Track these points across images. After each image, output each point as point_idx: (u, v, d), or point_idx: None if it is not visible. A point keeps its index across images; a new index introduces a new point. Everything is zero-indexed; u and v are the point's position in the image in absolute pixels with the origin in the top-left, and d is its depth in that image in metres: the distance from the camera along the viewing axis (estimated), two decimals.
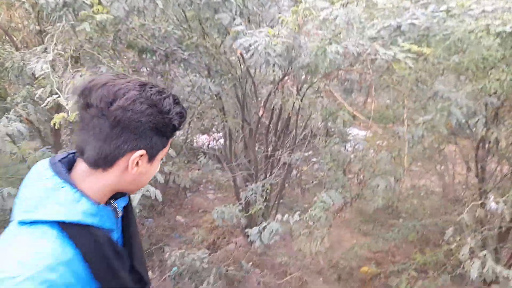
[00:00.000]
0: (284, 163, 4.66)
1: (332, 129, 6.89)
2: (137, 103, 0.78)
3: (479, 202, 2.84)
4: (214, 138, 8.04)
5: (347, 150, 6.99)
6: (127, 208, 0.94)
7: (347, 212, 6.14)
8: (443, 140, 4.41)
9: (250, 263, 4.21)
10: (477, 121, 2.12)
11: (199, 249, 4.14)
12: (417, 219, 3.66)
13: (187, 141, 6.42)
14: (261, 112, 3.46)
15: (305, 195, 6.84)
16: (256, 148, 6.87)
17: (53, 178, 0.78)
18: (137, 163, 0.83)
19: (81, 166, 0.83)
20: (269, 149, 4.66)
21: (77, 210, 0.77)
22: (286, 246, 5.21)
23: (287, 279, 4.04)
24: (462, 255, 2.26)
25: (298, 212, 2.65)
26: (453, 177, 5.59)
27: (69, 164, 0.84)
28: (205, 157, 3.84)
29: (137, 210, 2.25)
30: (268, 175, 4.51)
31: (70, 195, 0.77)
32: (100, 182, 0.83)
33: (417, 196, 5.26)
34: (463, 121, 2.11)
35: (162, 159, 0.91)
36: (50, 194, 0.76)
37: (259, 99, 4.25)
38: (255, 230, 2.61)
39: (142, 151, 0.82)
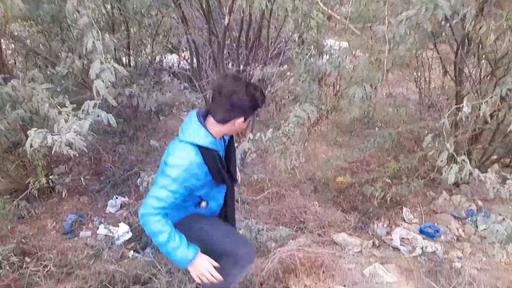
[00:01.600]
0: (258, 80, 4.36)
1: (308, 40, 6.48)
2: (244, 97, 1.61)
3: (460, 105, 2.70)
4: (184, 57, 7.50)
5: (323, 62, 6.68)
6: (230, 140, 1.85)
7: (323, 124, 6.05)
8: (422, 45, 4.15)
9: None
10: (465, 14, 1.84)
11: None
12: (392, 127, 3.57)
13: (153, 61, 5.91)
14: (226, 20, 3.04)
15: (280, 111, 6.66)
16: (228, 65, 6.46)
17: (198, 123, 1.68)
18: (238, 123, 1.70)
19: (211, 120, 1.71)
20: (241, 65, 4.30)
21: (207, 141, 1.65)
22: (263, 162, 5.17)
23: (264, 195, 4.03)
24: (441, 161, 2.17)
25: (271, 130, 2.45)
26: (428, 83, 5.45)
27: (204, 116, 1.73)
28: (170, 76, 3.46)
29: (89, 138, 2.00)
30: None
31: (204, 133, 1.65)
32: (220, 129, 1.71)
33: (393, 104, 5.15)
34: (450, 14, 1.82)
35: None
36: (196, 131, 1.65)
37: (224, 7, 3.76)
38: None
39: (242, 118, 1.69)
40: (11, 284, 2.50)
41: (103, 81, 1.94)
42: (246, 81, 1.69)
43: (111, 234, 3.60)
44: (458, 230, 3.76)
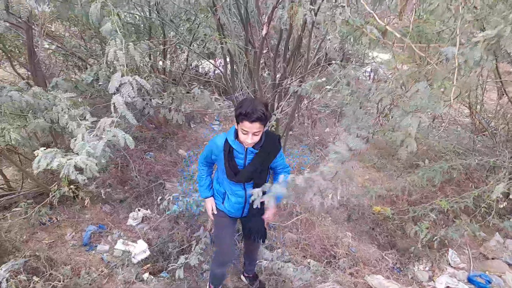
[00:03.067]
0: (294, 92, 4.07)
1: (350, 51, 6.09)
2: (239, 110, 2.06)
3: None
4: (220, 63, 7.34)
5: (367, 77, 6.26)
6: (260, 150, 2.23)
7: (359, 153, 5.66)
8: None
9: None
10: None
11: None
12: (445, 158, 3.14)
13: (188, 67, 5.78)
14: (264, 31, 2.79)
15: (315, 125, 6.32)
16: (264, 75, 6.21)
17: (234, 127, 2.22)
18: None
19: None
20: (277, 77, 4.03)
21: (230, 139, 2.21)
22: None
23: (292, 221, 3.70)
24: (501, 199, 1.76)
25: (307, 171, 2.12)
26: (481, 105, 4.91)
27: None
28: (199, 88, 3.25)
29: (103, 161, 1.79)
30: (275, 108, 3.95)
31: (233, 132, 2.21)
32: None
33: (444, 130, 4.67)
34: None
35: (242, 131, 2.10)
36: (231, 130, 2.25)
37: (264, 15, 3.51)
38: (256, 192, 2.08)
39: (236, 123, 2.14)
40: None
41: (122, 96, 1.72)
42: (257, 98, 2.26)
43: (128, 250, 3.41)
44: None
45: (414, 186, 4.38)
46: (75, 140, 1.90)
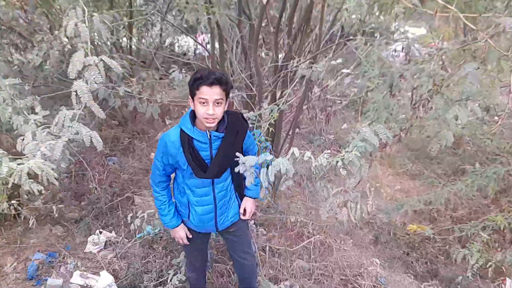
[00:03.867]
0: (302, 77, 4.11)
1: (373, 24, 6.17)
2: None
3: None
4: (203, 40, 7.38)
5: (396, 58, 6.38)
6: (226, 133, 2.37)
7: (390, 150, 5.75)
8: None
9: (252, 222, 3.91)
10: None
11: None
12: (500, 161, 3.20)
13: (161, 46, 5.82)
14: None
15: (329, 121, 6.39)
16: (262, 55, 6.27)
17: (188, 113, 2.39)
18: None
19: None
20: (279, 57, 4.09)
21: (187, 127, 2.31)
22: (302, 193, 4.91)
23: (303, 245, 3.75)
24: None
25: (328, 152, 2.18)
26: None
27: None
28: (181, 71, 3.29)
29: (63, 165, 1.83)
30: (277, 97, 4.00)
31: (187, 120, 2.34)
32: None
33: (494, 123, 4.75)
34: None
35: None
36: (184, 117, 2.38)
37: None
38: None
39: (190, 98, 2.28)
40: None
41: (86, 82, 1.76)
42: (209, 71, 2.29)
43: (88, 285, 3.44)
44: None
45: (460, 198, 4.47)
46: (23, 139, 1.93)
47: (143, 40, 6.24)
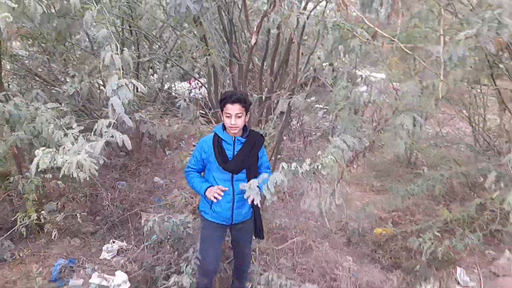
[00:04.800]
0: (282, 113, 4.45)
1: (340, 68, 6.63)
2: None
3: None
4: (197, 84, 7.72)
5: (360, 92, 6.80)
6: (246, 139, 2.85)
7: (358, 165, 6.06)
8: (476, 78, 4.23)
9: None
10: None
11: (182, 214, 4.04)
12: (444, 169, 3.54)
13: (162, 88, 6.14)
14: (253, 40, 3.19)
15: (306, 148, 6.70)
16: (248, 92, 6.64)
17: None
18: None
19: None
20: (264, 93, 4.44)
21: (219, 131, 2.83)
22: (285, 208, 5.15)
23: (287, 245, 3.98)
24: (508, 204, 2.14)
25: (308, 160, 2.49)
26: (484, 121, 5.46)
27: None
28: (185, 101, 3.60)
29: (101, 161, 2.07)
30: (262, 125, 4.32)
31: (220, 126, 2.89)
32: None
33: (441, 146, 5.14)
34: None
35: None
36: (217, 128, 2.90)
37: (252, 26, 3.95)
38: (253, 183, 2.44)
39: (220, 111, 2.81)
40: None
41: (119, 98, 2.04)
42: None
43: (106, 284, 3.57)
44: None
45: (416, 206, 4.77)
46: (64, 148, 2.18)
47: (147, 83, 6.53)
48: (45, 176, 4.09)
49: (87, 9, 2.21)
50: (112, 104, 2.02)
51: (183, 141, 7.25)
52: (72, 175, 1.88)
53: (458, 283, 3.77)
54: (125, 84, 2.09)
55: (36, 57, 4.70)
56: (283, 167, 2.43)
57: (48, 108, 2.62)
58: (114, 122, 2.05)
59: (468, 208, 3.21)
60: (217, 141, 2.80)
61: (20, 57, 5.23)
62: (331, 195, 2.90)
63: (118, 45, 2.16)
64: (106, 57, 2.12)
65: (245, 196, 2.72)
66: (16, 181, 3.66)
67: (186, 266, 3.05)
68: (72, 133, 2.41)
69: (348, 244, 4.41)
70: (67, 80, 3.34)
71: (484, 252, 4.26)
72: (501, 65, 4.28)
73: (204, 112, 4.08)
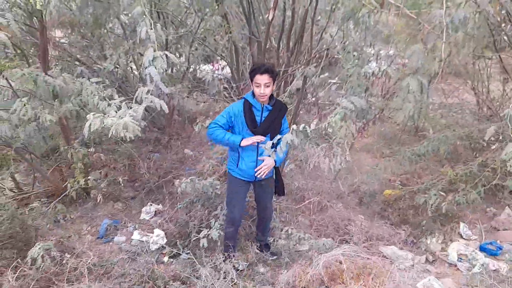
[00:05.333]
0: (298, 89, 4.49)
1: (350, 45, 6.59)
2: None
3: None
4: (219, 65, 7.78)
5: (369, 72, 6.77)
6: (273, 107, 2.94)
7: (368, 136, 6.07)
8: (480, 51, 4.18)
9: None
10: None
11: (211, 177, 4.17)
12: (448, 132, 3.55)
13: (188, 70, 6.23)
14: (271, 15, 3.23)
15: (321, 120, 6.73)
16: None
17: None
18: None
19: None
20: (281, 68, 4.48)
21: (249, 97, 2.89)
22: (302, 173, 5.24)
23: (305, 204, 4.08)
24: (505, 154, 2.17)
25: (315, 121, 2.56)
26: (487, 92, 5.38)
27: None
28: (212, 76, 3.68)
29: (142, 124, 2.19)
30: (281, 93, 4.37)
31: (250, 93, 2.93)
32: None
33: (446, 113, 5.11)
34: None
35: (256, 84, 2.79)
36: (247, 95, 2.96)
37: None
38: (268, 144, 2.54)
39: (250, 81, 2.87)
40: (52, 278, 2.70)
41: (155, 67, 2.14)
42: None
43: (145, 240, 3.77)
44: None
45: (422, 169, 4.79)
46: (109, 116, 2.30)
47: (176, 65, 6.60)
48: (89, 150, 4.29)
49: None
50: (149, 74, 2.12)
51: (208, 117, 7.37)
52: (118, 142, 2.00)
53: (461, 236, 3.83)
54: (160, 55, 2.18)
55: (76, 43, 4.82)
56: (293, 128, 2.49)
57: (92, 83, 2.75)
58: (151, 90, 2.16)
59: (470, 166, 3.23)
60: (248, 107, 2.86)
61: (62, 43, 5.39)
62: (341, 156, 2.97)
63: (152, 21, 2.25)
64: (142, 31, 2.21)
65: (261, 158, 2.87)
66: (66, 152, 3.84)
67: (215, 222, 3.20)
68: (115, 103, 2.53)
69: (360, 204, 4.49)
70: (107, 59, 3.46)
71: (485, 209, 4.29)
72: (504, 36, 4.21)
73: (227, 88, 4.15)
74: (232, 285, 2.81)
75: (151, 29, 2.23)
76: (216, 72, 8.46)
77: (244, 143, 2.85)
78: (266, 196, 3.23)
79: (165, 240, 3.74)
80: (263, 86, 2.74)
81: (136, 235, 3.88)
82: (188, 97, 3.84)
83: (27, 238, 3.18)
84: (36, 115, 2.65)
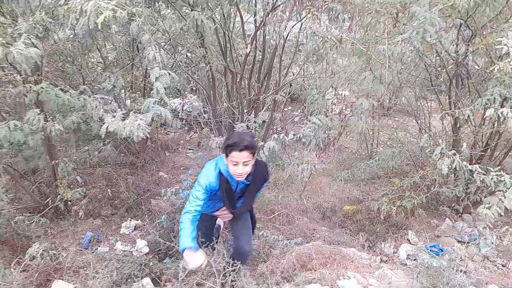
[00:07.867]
0: (264, 122, 5.09)
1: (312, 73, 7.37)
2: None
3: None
4: (188, 101, 8.28)
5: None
6: (251, 181, 2.50)
7: (327, 162, 6.71)
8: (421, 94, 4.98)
9: None
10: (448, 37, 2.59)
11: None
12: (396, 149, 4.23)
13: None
14: (248, 49, 3.82)
15: (285, 150, 7.32)
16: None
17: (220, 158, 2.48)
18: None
19: None
20: (252, 95, 5.07)
21: (223, 169, 2.40)
22: (270, 192, 5.72)
23: (275, 216, 4.54)
24: (435, 155, 2.79)
25: (292, 132, 3.11)
26: (429, 125, 6.22)
27: None
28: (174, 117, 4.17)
29: (148, 130, 2.60)
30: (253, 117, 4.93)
31: (224, 166, 2.40)
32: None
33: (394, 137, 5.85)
34: (435, 38, 2.58)
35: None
36: (219, 160, 2.46)
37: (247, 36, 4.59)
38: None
39: (224, 155, 2.36)
40: (51, 273, 2.94)
41: (161, 83, 2.61)
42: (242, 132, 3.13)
43: (129, 249, 4.02)
44: (461, 251, 4.25)
45: (375, 189, 5.43)
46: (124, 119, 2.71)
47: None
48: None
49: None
50: (156, 88, 2.59)
51: (180, 146, 7.76)
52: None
53: (410, 242, 4.41)
54: (164, 73, 2.66)
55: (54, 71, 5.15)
56: (274, 137, 3.02)
57: (96, 98, 3.15)
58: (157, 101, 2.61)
59: (414, 178, 3.88)
60: (225, 182, 2.42)
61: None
62: (310, 164, 3.51)
63: (157, 47, 2.74)
64: (149, 55, 2.69)
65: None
66: (55, 166, 4.09)
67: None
68: (118, 115, 2.94)
69: (323, 218, 5.00)
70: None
71: (430, 221, 4.94)
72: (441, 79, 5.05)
73: (197, 121, 4.59)
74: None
75: (157, 52, 2.71)
76: (185, 105, 8.95)
77: (184, 255, 2.36)
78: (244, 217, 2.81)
79: (148, 250, 4.01)
80: (241, 165, 2.28)
81: (119, 245, 4.12)
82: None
83: (22, 243, 3.38)
84: (43, 126, 2.98)
